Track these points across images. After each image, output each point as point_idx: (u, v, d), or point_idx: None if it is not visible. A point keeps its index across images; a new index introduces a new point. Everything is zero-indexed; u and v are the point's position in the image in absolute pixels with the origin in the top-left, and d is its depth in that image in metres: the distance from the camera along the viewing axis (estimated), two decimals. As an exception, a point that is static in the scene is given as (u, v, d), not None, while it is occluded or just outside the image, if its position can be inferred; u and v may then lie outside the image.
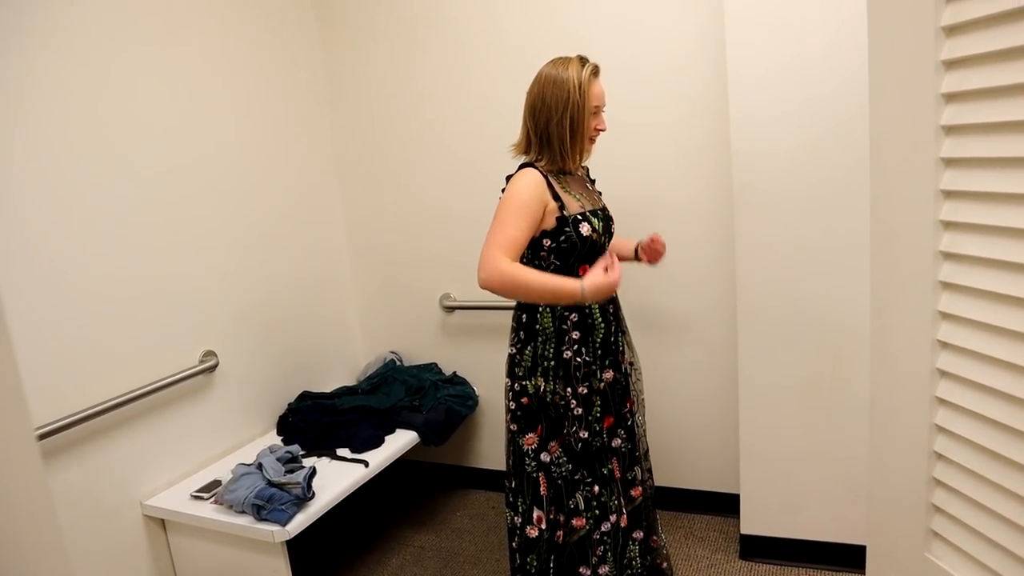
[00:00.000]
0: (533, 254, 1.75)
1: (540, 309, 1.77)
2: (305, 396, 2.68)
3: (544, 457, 1.80)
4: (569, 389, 1.77)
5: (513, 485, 1.87)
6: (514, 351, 1.83)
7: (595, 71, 1.73)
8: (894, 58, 0.94)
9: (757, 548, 2.31)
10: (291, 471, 2.08)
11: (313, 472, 2.06)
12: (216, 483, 2.14)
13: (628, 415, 1.90)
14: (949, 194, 0.90)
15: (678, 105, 2.35)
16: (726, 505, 2.55)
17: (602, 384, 1.81)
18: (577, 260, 1.76)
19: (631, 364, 1.94)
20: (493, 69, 2.59)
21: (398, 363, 2.96)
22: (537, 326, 1.78)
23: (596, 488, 1.82)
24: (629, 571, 1.89)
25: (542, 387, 1.77)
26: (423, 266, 2.91)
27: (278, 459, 2.11)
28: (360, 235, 3.01)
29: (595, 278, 1.64)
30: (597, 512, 1.83)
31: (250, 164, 2.51)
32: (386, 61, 2.77)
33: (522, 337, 1.80)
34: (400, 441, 2.43)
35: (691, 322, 2.49)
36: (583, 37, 2.40)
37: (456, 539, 2.62)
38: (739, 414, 2.25)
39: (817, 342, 2.10)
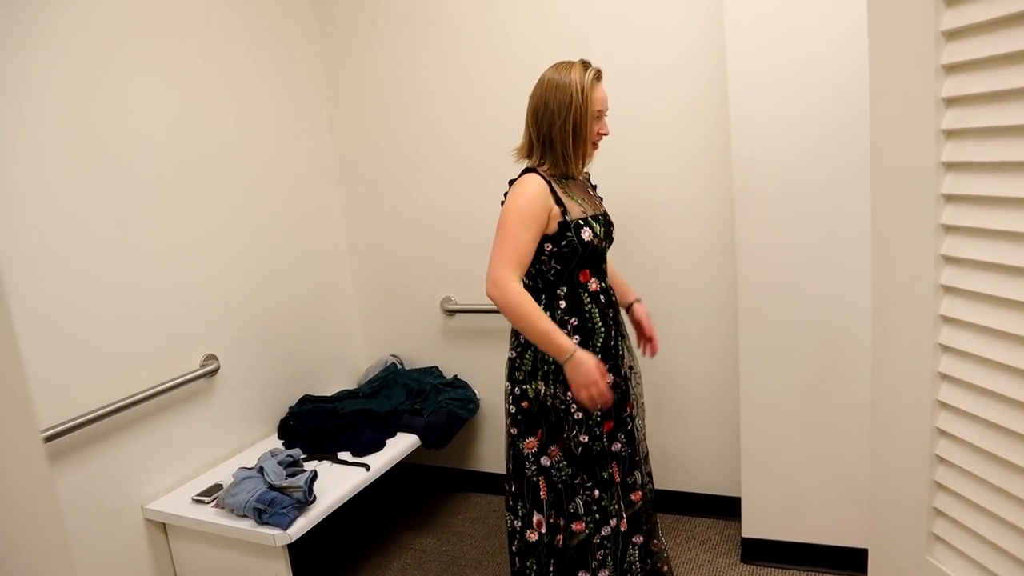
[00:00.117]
0: (534, 258, 1.75)
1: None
2: (306, 400, 2.68)
3: (544, 461, 1.80)
4: (569, 393, 1.77)
5: (513, 489, 1.87)
6: (514, 355, 1.83)
7: (598, 75, 1.73)
8: (894, 62, 0.94)
9: (758, 551, 2.31)
10: (292, 475, 2.08)
11: (314, 476, 2.06)
12: (217, 487, 2.14)
13: (628, 419, 1.90)
14: (950, 198, 0.90)
15: (678, 108, 2.35)
16: (727, 508, 2.55)
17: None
18: (578, 265, 1.76)
19: (631, 368, 1.94)
20: (493, 71, 2.60)
21: (399, 366, 2.96)
22: None
23: (596, 492, 1.82)
24: (629, 575, 1.89)
25: (542, 391, 1.77)
26: (424, 269, 2.91)
27: (279, 463, 2.11)
28: (360, 238, 3.01)
29: (588, 363, 1.65)
30: (597, 516, 1.82)
31: (250, 167, 2.52)
32: (386, 63, 2.78)
33: (522, 341, 1.80)
34: (401, 444, 2.43)
35: (692, 325, 2.49)
36: (583, 39, 2.41)
37: (457, 543, 2.62)
38: (740, 417, 2.25)
39: (818, 345, 2.10)
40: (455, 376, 2.91)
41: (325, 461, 2.31)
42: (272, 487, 1.99)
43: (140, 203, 2.09)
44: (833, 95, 1.93)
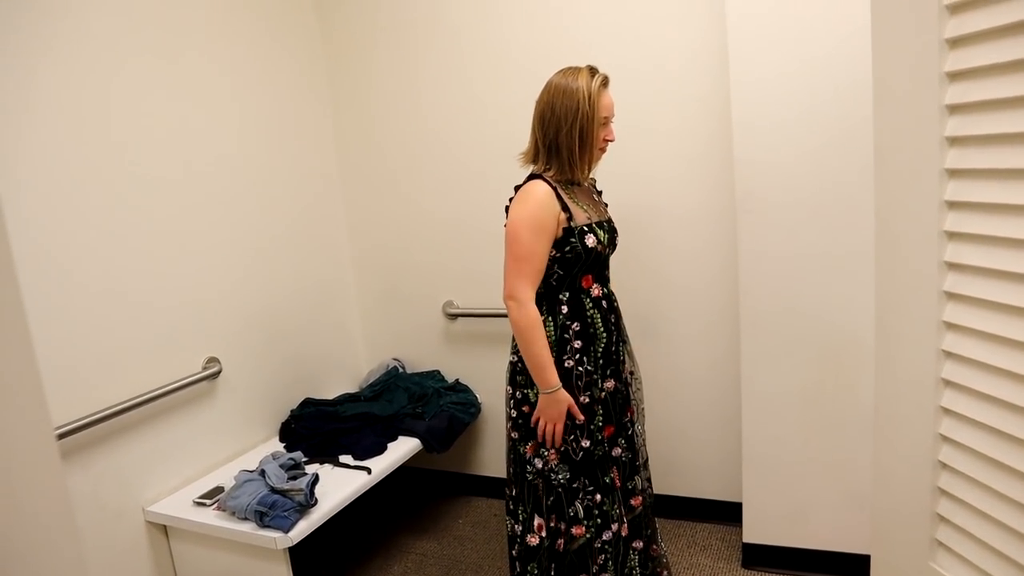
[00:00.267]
0: (538, 262, 1.76)
1: (542, 317, 1.77)
2: (308, 403, 2.68)
3: (538, 463, 1.80)
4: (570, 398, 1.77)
5: (514, 493, 1.87)
6: (515, 359, 1.83)
7: (604, 81, 1.73)
8: (898, 70, 0.95)
9: (760, 557, 2.31)
10: (294, 478, 2.08)
11: (316, 479, 2.06)
12: (219, 489, 2.14)
13: (628, 424, 1.90)
14: (953, 205, 0.90)
15: (680, 113, 2.36)
16: (729, 513, 2.55)
17: (603, 393, 1.82)
18: (580, 271, 1.76)
19: (631, 373, 1.95)
20: (495, 77, 2.61)
21: (401, 370, 2.96)
22: None
23: (598, 497, 1.82)
24: (630, 580, 1.89)
25: (531, 396, 1.78)
26: (426, 273, 2.91)
27: (281, 466, 2.11)
28: (363, 242, 3.01)
29: (563, 405, 1.72)
30: (599, 521, 1.82)
31: (254, 173, 2.52)
32: (388, 68, 2.78)
33: (524, 345, 1.81)
34: (403, 448, 2.43)
35: (694, 330, 2.49)
36: (584, 44, 2.41)
37: (458, 546, 2.62)
38: (742, 422, 2.25)
39: (820, 350, 2.10)
40: (456, 380, 2.91)
41: (326, 464, 2.31)
42: (274, 490, 1.99)
43: (143, 206, 2.10)
44: (835, 100, 1.94)
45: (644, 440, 2.00)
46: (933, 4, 0.86)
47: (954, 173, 0.89)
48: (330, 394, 2.85)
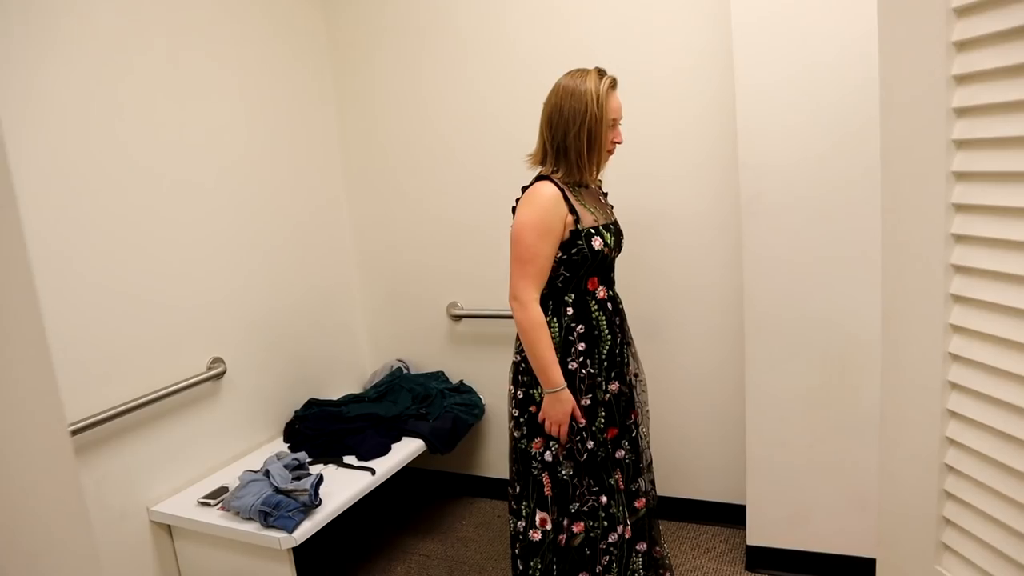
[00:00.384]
0: (544, 264, 1.76)
1: (547, 318, 1.77)
2: (312, 403, 2.68)
3: (548, 457, 1.80)
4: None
5: (518, 491, 1.87)
6: (519, 359, 1.83)
7: (613, 84, 1.73)
8: (905, 72, 0.95)
9: (764, 559, 2.30)
10: (298, 478, 2.09)
11: (320, 479, 2.06)
12: (223, 489, 2.14)
13: (633, 426, 1.90)
14: (960, 207, 0.90)
15: (686, 116, 2.36)
16: (732, 516, 2.54)
17: (607, 395, 1.82)
18: (587, 273, 1.76)
19: (636, 375, 1.95)
20: (499, 80, 2.61)
21: (405, 371, 2.96)
22: None
23: (604, 499, 1.82)
24: (633, 582, 1.89)
25: (536, 395, 1.78)
26: (430, 275, 2.92)
27: (285, 466, 2.11)
28: (367, 243, 3.02)
29: (568, 405, 1.72)
30: (606, 523, 1.83)
31: (260, 174, 2.53)
32: (394, 71, 2.79)
33: (528, 345, 1.81)
34: (407, 449, 2.44)
35: (698, 332, 2.49)
36: (590, 47, 2.42)
37: (461, 547, 2.62)
38: (746, 424, 2.24)
39: (824, 352, 2.10)
40: (460, 381, 2.91)
41: (330, 465, 2.32)
42: (278, 490, 1.99)
43: (149, 207, 2.11)
44: (839, 104, 1.94)
45: (648, 442, 2.00)
46: (940, 7, 0.86)
47: (961, 176, 0.89)
48: (334, 395, 2.85)
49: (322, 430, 2.48)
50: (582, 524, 1.81)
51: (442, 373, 2.95)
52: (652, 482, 2.00)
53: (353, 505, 2.15)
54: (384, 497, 3.02)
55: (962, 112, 0.88)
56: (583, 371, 1.77)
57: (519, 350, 1.83)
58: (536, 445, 1.81)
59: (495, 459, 2.95)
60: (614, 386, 1.83)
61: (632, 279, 2.41)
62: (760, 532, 2.30)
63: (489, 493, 2.98)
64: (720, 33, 2.23)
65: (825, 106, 1.96)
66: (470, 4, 2.61)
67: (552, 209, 1.69)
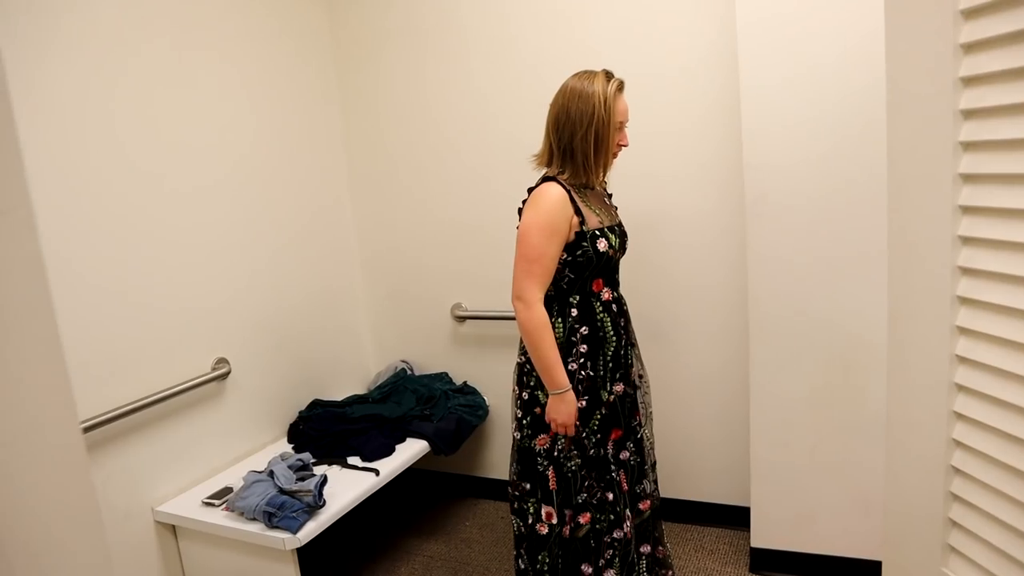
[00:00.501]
0: (547, 265, 1.76)
1: (552, 319, 1.77)
2: (316, 404, 2.68)
3: (555, 452, 1.80)
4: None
5: (518, 492, 1.87)
6: (523, 360, 1.83)
7: (620, 86, 1.73)
8: (912, 74, 0.95)
9: (768, 561, 2.30)
10: (302, 479, 2.09)
11: (324, 480, 2.06)
12: (227, 490, 2.15)
13: (637, 428, 1.90)
14: (967, 210, 0.90)
15: (690, 117, 2.36)
16: (736, 518, 2.54)
17: (611, 397, 1.82)
18: (592, 275, 1.76)
19: (640, 376, 1.95)
20: (503, 81, 2.61)
21: (409, 372, 2.96)
22: None
23: (610, 495, 1.82)
24: (636, 582, 1.89)
25: (540, 397, 1.79)
26: (434, 276, 2.92)
27: (289, 467, 2.11)
28: (372, 245, 3.02)
29: (572, 406, 1.72)
30: (612, 518, 1.83)
31: (264, 175, 2.53)
32: (398, 72, 2.79)
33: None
34: (411, 450, 2.44)
35: (702, 333, 2.49)
36: (594, 47, 2.42)
37: (465, 548, 2.62)
38: (750, 425, 2.24)
39: (829, 353, 2.09)
40: (464, 382, 2.92)
41: (335, 466, 2.32)
42: (282, 491, 1.99)
43: (154, 208, 2.11)
44: (844, 105, 1.94)
45: (653, 444, 2.00)
46: (948, 9, 0.86)
47: (968, 178, 0.89)
48: (338, 395, 2.86)
49: (326, 431, 2.48)
50: (589, 515, 1.82)
51: (446, 374, 2.95)
52: (655, 482, 2.00)
53: (357, 506, 2.15)
54: (388, 498, 3.02)
55: (969, 114, 0.88)
56: (583, 372, 1.77)
57: (523, 351, 1.83)
58: (540, 442, 1.81)
59: (499, 460, 2.95)
60: (619, 387, 1.83)
61: (636, 280, 2.41)
62: (764, 534, 2.29)
63: (493, 494, 2.98)
64: (725, 34, 2.23)
65: (830, 107, 1.96)
66: (474, 4, 2.61)
67: (559, 210, 1.69)
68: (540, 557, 1.85)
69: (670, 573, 2.03)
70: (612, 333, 1.80)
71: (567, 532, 1.82)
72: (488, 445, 2.97)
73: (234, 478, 2.22)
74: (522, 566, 1.89)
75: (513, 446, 1.89)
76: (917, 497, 1.04)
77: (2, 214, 0.41)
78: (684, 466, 2.61)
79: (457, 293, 2.89)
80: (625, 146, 1.78)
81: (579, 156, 1.72)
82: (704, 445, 2.57)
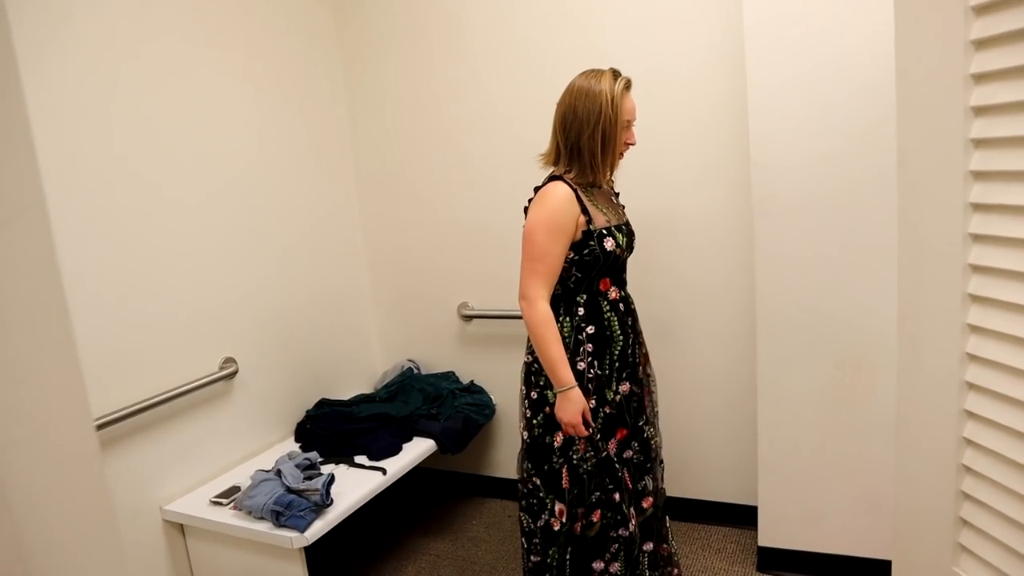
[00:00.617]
0: (554, 265, 1.76)
1: (559, 318, 1.77)
2: (323, 403, 2.69)
3: (572, 453, 1.80)
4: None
5: (527, 490, 1.87)
6: (530, 359, 1.83)
7: (628, 85, 1.73)
8: (922, 71, 0.94)
9: (775, 561, 2.29)
10: (310, 478, 2.09)
11: (331, 479, 2.07)
12: (235, 489, 2.15)
13: (643, 427, 1.90)
14: (978, 207, 0.90)
15: (697, 116, 2.35)
16: (744, 517, 2.54)
17: (618, 396, 1.81)
18: (598, 274, 1.76)
19: (648, 375, 1.94)
20: (511, 81, 2.61)
21: (416, 371, 2.97)
22: None
23: (616, 496, 1.82)
24: (640, 579, 1.90)
25: (549, 396, 1.78)
26: (441, 275, 2.92)
27: (297, 466, 2.12)
28: (379, 244, 3.03)
29: (578, 403, 1.71)
30: (618, 517, 1.83)
31: (272, 176, 2.54)
32: (405, 73, 2.80)
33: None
34: (418, 449, 2.44)
35: (710, 332, 2.49)
36: (601, 47, 2.41)
37: (472, 547, 2.63)
38: (757, 424, 2.24)
39: (837, 352, 2.09)
40: (471, 381, 2.92)
41: (342, 464, 2.32)
42: (290, 490, 2.00)
43: (163, 209, 2.12)
44: (852, 103, 1.93)
45: (659, 442, 2.00)
46: (958, 6, 0.86)
47: (979, 175, 0.89)
48: (345, 395, 2.86)
49: (333, 430, 2.49)
50: (599, 512, 1.82)
51: (453, 373, 2.95)
52: (661, 479, 2.00)
53: (364, 505, 2.15)
54: (395, 497, 3.02)
55: (980, 111, 0.87)
56: (591, 372, 1.77)
57: (531, 351, 1.83)
58: (558, 439, 1.81)
59: (506, 459, 2.95)
60: (625, 387, 1.83)
61: (644, 279, 2.40)
62: (772, 533, 2.29)
63: (500, 493, 2.98)
64: (731, 32, 2.22)
65: (837, 105, 1.95)
66: (481, 4, 2.61)
67: (564, 209, 1.69)
68: (551, 552, 1.85)
69: (677, 571, 2.03)
70: (619, 332, 1.79)
71: (578, 529, 1.82)
72: (495, 444, 2.97)
73: (242, 477, 2.23)
74: (533, 559, 1.88)
75: (522, 444, 1.89)
76: (927, 496, 1.04)
77: (17, 214, 0.41)
78: (691, 465, 2.61)
79: (464, 292, 2.89)
80: (632, 145, 1.78)
81: (586, 155, 1.72)
82: (711, 444, 2.57)
